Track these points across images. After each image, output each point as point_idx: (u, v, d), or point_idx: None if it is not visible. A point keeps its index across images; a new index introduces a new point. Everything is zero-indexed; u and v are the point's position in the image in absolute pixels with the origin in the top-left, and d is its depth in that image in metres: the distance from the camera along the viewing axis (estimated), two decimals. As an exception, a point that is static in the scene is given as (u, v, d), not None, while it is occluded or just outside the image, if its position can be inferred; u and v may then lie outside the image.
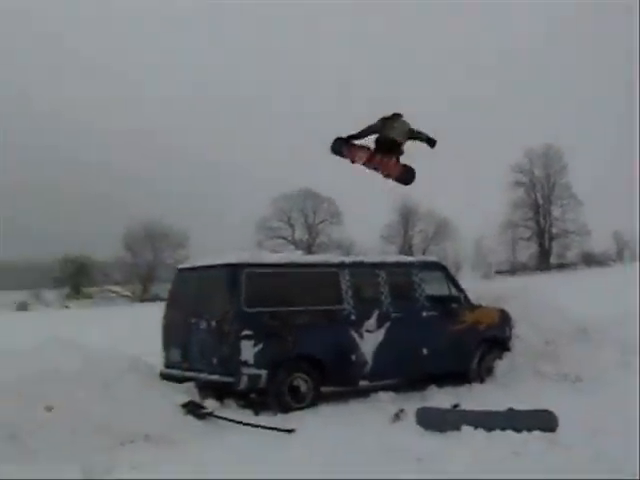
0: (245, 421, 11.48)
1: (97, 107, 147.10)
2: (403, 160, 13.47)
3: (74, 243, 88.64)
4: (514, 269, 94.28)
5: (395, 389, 13.76)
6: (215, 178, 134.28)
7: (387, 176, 13.30)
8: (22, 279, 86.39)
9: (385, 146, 13.38)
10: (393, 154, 13.37)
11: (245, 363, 12.43)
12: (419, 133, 13.57)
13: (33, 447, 9.89)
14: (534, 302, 16.33)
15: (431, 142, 13.63)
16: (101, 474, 8.96)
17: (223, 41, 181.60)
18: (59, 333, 13.99)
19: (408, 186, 13.72)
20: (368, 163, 13.31)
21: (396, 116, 13.59)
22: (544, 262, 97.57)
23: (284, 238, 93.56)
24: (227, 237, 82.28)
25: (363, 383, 13.84)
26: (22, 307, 76.29)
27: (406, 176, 13.30)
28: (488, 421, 10.24)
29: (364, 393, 13.63)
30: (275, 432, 10.95)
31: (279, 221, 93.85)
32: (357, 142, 13.70)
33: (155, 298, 73.24)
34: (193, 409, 11.58)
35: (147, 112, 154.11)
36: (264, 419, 11.85)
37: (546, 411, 10.35)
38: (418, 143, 13.60)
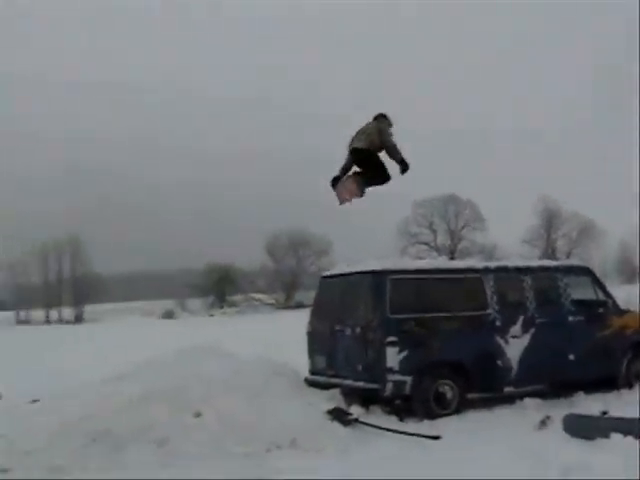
0: (390, 427, 11.49)
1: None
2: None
3: (219, 253, 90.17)
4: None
5: (541, 395, 13.54)
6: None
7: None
8: (169, 288, 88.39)
9: (355, 160, 12.72)
10: (369, 165, 12.62)
11: (390, 370, 12.44)
12: (388, 142, 12.47)
13: (182, 452, 10.09)
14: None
15: (403, 165, 12.39)
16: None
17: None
18: (204, 341, 14.27)
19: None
20: (349, 195, 12.88)
21: (374, 120, 12.93)
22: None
23: (426, 244, 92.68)
24: (369, 244, 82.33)
25: (508, 389, 13.67)
26: (168, 315, 77.80)
27: (358, 191, 12.78)
28: (638, 428, 10.01)
29: (510, 400, 13.46)
30: (421, 438, 10.91)
31: (420, 227, 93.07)
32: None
33: (298, 305, 73.78)
34: (339, 415, 11.63)
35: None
36: (409, 426, 11.82)
37: (698, 417, 10.06)
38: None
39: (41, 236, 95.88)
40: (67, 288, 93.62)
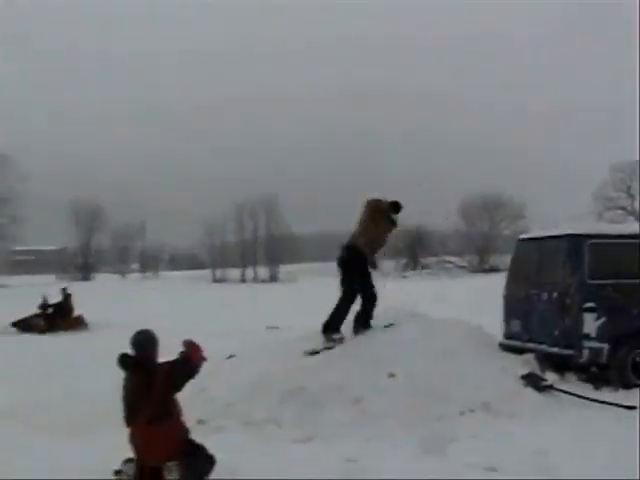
0: (585, 395, 11.28)
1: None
2: None
3: (413, 213, 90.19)
4: None
5: None
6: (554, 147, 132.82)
7: None
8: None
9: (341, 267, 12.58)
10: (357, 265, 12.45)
11: (587, 336, 12.19)
12: (376, 212, 12.56)
13: (375, 412, 10.14)
14: None
15: (396, 207, 12.77)
16: (441, 442, 9.07)
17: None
18: (397, 302, 14.30)
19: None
20: None
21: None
22: None
23: (623, 208, 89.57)
24: (564, 208, 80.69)
25: None
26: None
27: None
28: None
29: None
30: (616, 408, 10.70)
31: (617, 191, 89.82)
32: None
33: (493, 269, 73.03)
34: (533, 381, 11.48)
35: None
36: (605, 394, 11.58)
37: None
38: None
39: (238, 196, 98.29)
40: (262, 248, 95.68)
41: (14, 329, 27.80)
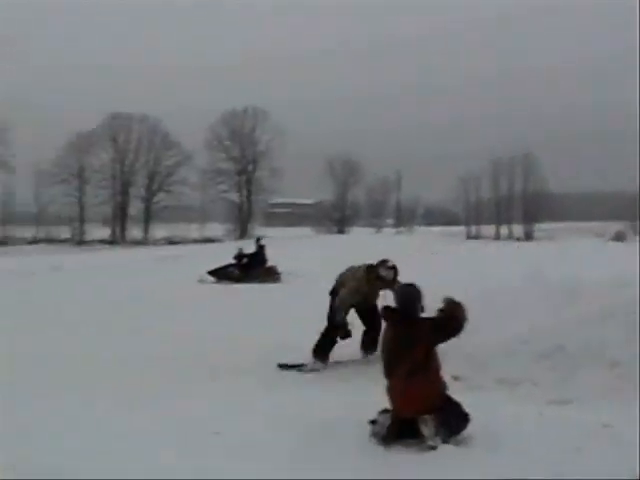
0: None
1: None
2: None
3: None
4: None
5: None
6: None
7: None
8: (623, 210, 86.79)
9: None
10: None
11: None
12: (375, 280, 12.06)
13: (634, 378, 9.76)
14: None
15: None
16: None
17: None
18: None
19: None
20: None
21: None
22: None
23: None
24: None
25: None
26: (618, 237, 76.10)
27: None
28: None
29: None
30: None
31: None
32: None
33: None
34: None
35: None
36: None
37: None
38: None
39: (496, 152, 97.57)
40: (518, 205, 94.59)
41: (211, 277, 29.49)
